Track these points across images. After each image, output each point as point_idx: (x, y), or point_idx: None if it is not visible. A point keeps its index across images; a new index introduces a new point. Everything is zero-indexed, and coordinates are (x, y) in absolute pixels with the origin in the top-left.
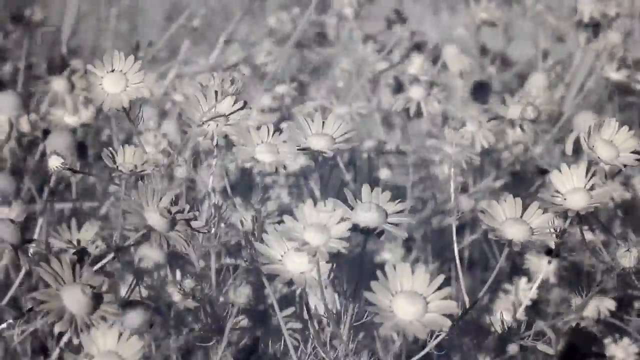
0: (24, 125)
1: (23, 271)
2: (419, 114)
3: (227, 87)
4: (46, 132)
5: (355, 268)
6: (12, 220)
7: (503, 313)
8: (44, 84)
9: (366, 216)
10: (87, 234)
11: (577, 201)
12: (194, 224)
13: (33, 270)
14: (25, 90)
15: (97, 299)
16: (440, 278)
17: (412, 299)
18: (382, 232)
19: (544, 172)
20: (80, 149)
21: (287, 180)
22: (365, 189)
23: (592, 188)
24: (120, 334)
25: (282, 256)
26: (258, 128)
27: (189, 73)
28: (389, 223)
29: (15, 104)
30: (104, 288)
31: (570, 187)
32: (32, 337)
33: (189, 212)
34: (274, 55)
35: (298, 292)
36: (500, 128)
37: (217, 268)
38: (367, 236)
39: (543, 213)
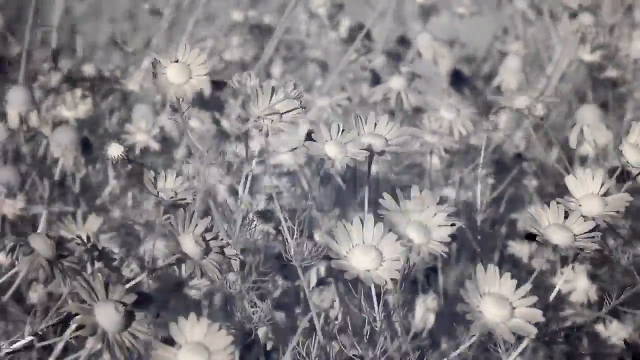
0: (33, 120)
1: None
2: (399, 105)
3: (290, 91)
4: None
5: None
6: (48, 235)
7: None
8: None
9: None
10: (93, 226)
11: (593, 208)
12: (227, 250)
13: (68, 285)
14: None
15: (129, 317)
16: (528, 286)
17: (499, 301)
18: None
19: (520, 157)
20: (84, 144)
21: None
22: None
23: (605, 194)
24: (209, 326)
25: (347, 253)
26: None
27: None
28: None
29: (25, 99)
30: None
31: (585, 192)
32: None
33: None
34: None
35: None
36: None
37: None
38: None
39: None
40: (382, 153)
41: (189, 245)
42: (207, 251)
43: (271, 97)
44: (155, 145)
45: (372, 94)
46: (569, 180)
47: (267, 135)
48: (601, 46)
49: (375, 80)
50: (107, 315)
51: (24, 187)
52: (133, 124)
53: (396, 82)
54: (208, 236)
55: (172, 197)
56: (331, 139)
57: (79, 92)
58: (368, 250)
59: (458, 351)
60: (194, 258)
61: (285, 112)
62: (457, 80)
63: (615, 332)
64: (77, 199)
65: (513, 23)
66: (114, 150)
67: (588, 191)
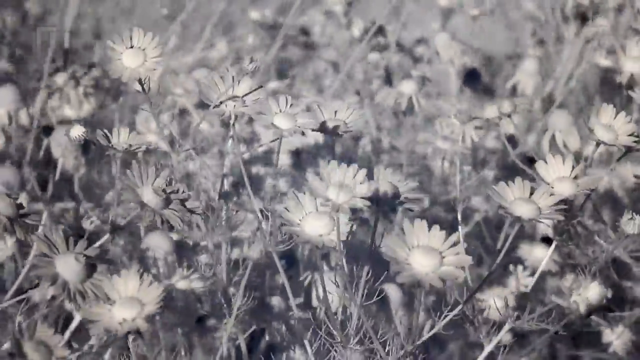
0: (23, 119)
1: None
2: (410, 108)
3: (247, 65)
4: (46, 128)
5: (361, 255)
6: (8, 195)
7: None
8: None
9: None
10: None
11: (565, 189)
12: (188, 203)
13: (28, 240)
14: (27, 85)
15: (90, 268)
16: (455, 236)
17: (428, 252)
18: (394, 208)
19: (532, 161)
20: (84, 145)
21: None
22: (378, 168)
23: (576, 177)
24: (141, 281)
25: (300, 220)
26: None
27: (178, 67)
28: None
29: (14, 98)
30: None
31: (557, 176)
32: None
33: (184, 192)
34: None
35: (306, 282)
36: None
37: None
38: (379, 211)
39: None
40: (339, 135)
41: (148, 195)
42: (167, 202)
43: (233, 83)
44: (165, 146)
45: (384, 97)
46: (540, 166)
47: (229, 119)
48: (612, 50)
49: (388, 80)
50: (67, 266)
51: (24, 187)
52: (139, 125)
53: (408, 86)
54: (168, 189)
55: (125, 148)
56: (280, 111)
57: (82, 90)
58: (321, 217)
59: (433, 332)
60: (154, 208)
61: (245, 95)
62: (472, 80)
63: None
64: (77, 197)
65: (523, 25)
66: (75, 131)
67: (559, 175)
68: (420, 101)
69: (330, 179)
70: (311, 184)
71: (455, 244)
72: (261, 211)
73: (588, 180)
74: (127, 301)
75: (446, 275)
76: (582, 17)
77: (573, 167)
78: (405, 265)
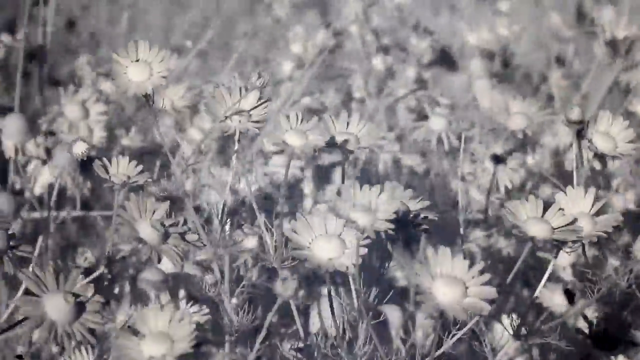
0: (31, 149)
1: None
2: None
3: (255, 81)
4: (49, 151)
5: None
6: None
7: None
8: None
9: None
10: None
11: (583, 227)
12: (188, 236)
13: (18, 275)
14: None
15: (79, 308)
16: (479, 266)
17: (451, 282)
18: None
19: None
20: (84, 165)
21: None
22: (388, 185)
23: (597, 214)
24: (172, 316)
25: (309, 243)
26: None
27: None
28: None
29: (21, 129)
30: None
31: (577, 210)
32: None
33: (184, 224)
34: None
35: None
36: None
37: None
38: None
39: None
40: (351, 152)
41: (146, 230)
42: (166, 237)
43: (240, 96)
44: None
45: (412, 129)
46: (560, 198)
47: (235, 134)
48: None
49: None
50: (55, 306)
51: (18, 214)
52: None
53: (437, 123)
54: (167, 222)
55: (123, 181)
56: (291, 128)
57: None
58: (330, 239)
59: (442, 349)
60: (151, 244)
61: (252, 109)
62: None
63: None
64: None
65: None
66: (78, 148)
67: (579, 209)
68: (450, 139)
69: (355, 200)
70: (335, 205)
71: (479, 274)
72: (266, 227)
73: (607, 220)
74: (157, 336)
75: (471, 307)
76: (614, 48)
77: (594, 203)
78: (428, 295)
